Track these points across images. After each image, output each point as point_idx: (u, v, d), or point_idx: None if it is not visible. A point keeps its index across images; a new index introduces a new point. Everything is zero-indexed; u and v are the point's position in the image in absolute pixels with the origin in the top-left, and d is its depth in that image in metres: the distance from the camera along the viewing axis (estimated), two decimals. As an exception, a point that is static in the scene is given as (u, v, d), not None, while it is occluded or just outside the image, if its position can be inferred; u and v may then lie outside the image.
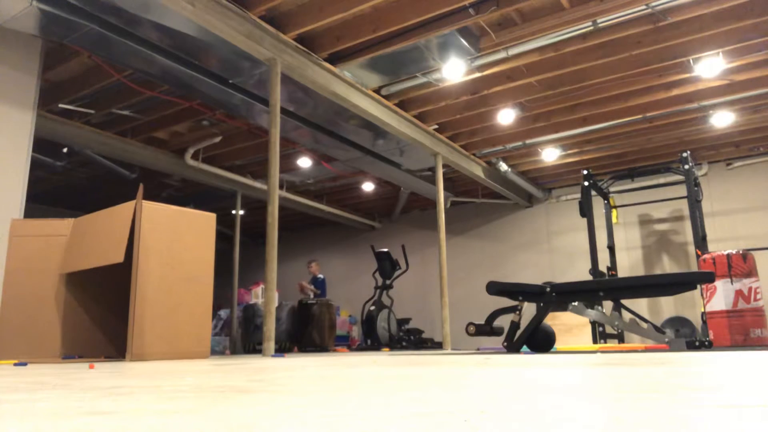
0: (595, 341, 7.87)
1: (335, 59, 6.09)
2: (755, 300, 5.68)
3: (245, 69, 5.80)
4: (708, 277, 4.15)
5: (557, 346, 7.23)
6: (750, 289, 5.70)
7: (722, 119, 7.61)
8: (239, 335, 9.40)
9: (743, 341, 5.58)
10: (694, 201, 7.52)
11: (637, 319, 4.83)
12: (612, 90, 7.04)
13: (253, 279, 12.23)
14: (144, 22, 4.96)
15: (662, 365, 1.85)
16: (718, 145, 8.82)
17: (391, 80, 6.60)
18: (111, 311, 4.33)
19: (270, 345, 4.73)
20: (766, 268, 8.51)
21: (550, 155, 9.00)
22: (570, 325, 7.88)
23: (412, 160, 8.71)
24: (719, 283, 5.80)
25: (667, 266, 9.55)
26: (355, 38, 5.71)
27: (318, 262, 10.37)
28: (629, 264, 9.80)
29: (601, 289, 4.54)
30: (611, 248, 9.01)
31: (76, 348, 4.11)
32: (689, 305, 9.10)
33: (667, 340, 4.36)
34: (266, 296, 4.89)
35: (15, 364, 3.02)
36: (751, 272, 5.76)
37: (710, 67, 6.31)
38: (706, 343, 4.43)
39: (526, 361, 2.53)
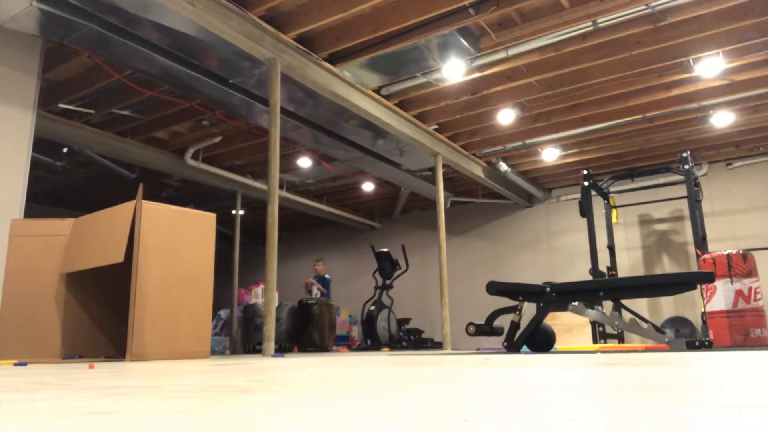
0: (595, 341, 7.87)
1: (335, 59, 6.09)
2: (755, 300, 5.68)
3: (245, 69, 5.80)
4: (708, 277, 4.15)
5: (557, 346, 7.23)
6: (750, 289, 5.70)
7: (722, 119, 7.61)
8: (239, 335, 9.40)
9: (743, 341, 5.57)
10: (694, 201, 7.52)
11: (637, 319, 4.83)
12: (612, 90, 7.04)
13: (253, 279, 12.23)
14: (144, 22, 4.96)
15: (662, 365, 1.85)
16: (718, 145, 8.82)
17: (391, 80, 6.60)
18: (111, 311, 4.33)
19: (270, 345, 4.73)
20: (766, 268, 8.51)
21: (550, 155, 9.00)
22: (570, 325, 7.88)
23: (412, 160, 8.71)
24: (719, 283, 5.80)
25: (667, 266, 9.55)
26: (355, 38, 5.71)
27: (324, 262, 10.37)
28: (629, 264, 9.80)
29: (601, 289, 4.54)
30: (611, 248, 9.01)
31: (76, 348, 4.11)
32: (689, 305, 9.10)
33: (667, 340, 4.36)
34: (266, 296, 4.89)
35: (15, 364, 3.02)
36: (751, 272, 5.76)
37: (710, 67, 6.31)
38: (706, 343, 4.43)
39: (526, 361, 2.53)
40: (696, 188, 7.66)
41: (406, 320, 9.86)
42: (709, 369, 1.60)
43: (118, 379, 1.54)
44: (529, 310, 5.29)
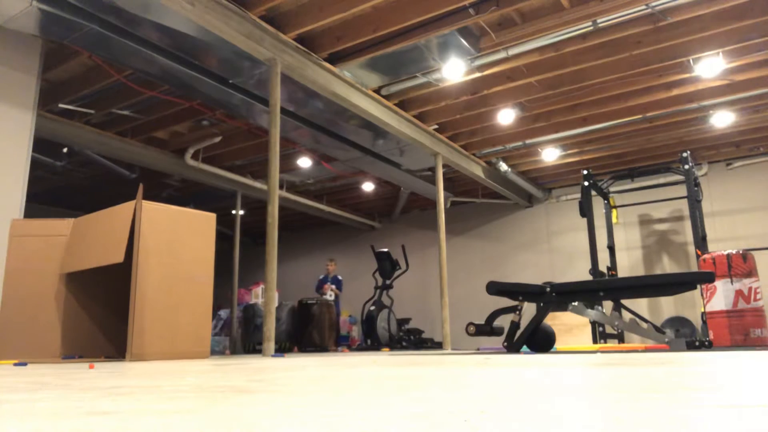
0: (595, 341, 7.87)
1: (335, 59, 6.09)
2: (755, 300, 5.67)
3: (245, 69, 5.80)
4: (708, 277, 4.15)
5: (557, 346, 7.23)
6: (750, 289, 5.70)
7: (722, 119, 7.61)
8: (239, 335, 9.40)
9: (743, 341, 5.57)
10: (694, 201, 7.52)
11: (637, 319, 4.83)
12: (612, 90, 7.04)
13: (253, 279, 12.23)
14: (144, 22, 4.96)
15: (662, 365, 1.85)
16: (718, 145, 8.82)
17: (391, 80, 6.60)
18: (111, 311, 4.33)
19: (270, 345, 4.73)
20: (766, 268, 8.51)
21: (550, 155, 9.00)
22: (570, 325, 7.87)
23: (412, 160, 8.71)
24: (719, 283, 5.80)
25: (667, 266, 9.55)
26: (355, 38, 5.71)
27: (335, 262, 10.34)
28: (629, 264, 9.80)
29: (601, 289, 4.54)
30: (611, 248, 9.01)
31: (76, 348, 4.11)
32: (689, 305, 9.10)
33: (667, 340, 4.36)
34: (266, 296, 4.89)
35: (15, 364, 3.02)
36: (751, 272, 5.76)
37: (710, 67, 6.31)
38: (706, 343, 4.43)
39: (526, 361, 2.53)
40: (696, 188, 7.66)
41: (406, 320, 9.86)
42: (709, 369, 1.60)
43: (118, 379, 1.54)
44: (529, 310, 5.29)
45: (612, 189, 9.16)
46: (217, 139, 8.21)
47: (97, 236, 3.99)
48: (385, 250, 9.75)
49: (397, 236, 12.38)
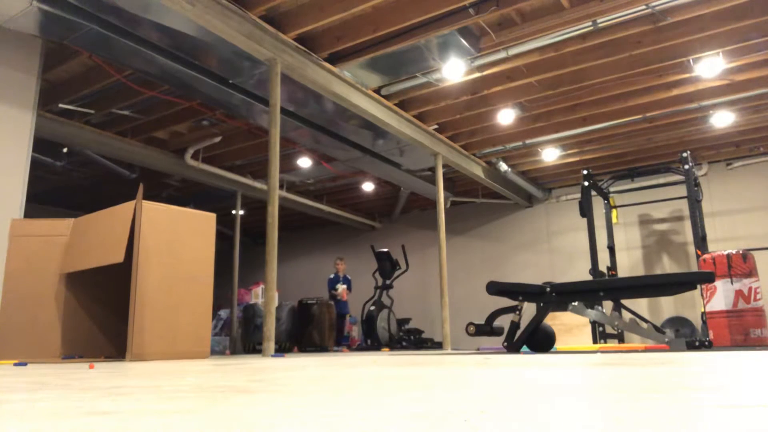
0: (595, 341, 7.87)
1: (335, 59, 6.09)
2: (755, 300, 5.67)
3: (245, 69, 5.80)
4: (708, 277, 4.15)
5: (557, 346, 7.24)
6: (750, 289, 5.70)
7: (722, 119, 7.61)
8: (239, 335, 9.40)
9: (743, 341, 5.57)
10: (694, 201, 7.52)
11: (637, 319, 4.83)
12: (612, 90, 7.04)
13: (253, 279, 12.23)
14: (144, 22, 4.96)
15: (662, 365, 1.85)
16: (718, 145, 8.82)
17: (391, 80, 6.60)
18: (111, 311, 4.33)
19: (270, 345, 4.73)
20: (766, 268, 8.51)
21: (550, 155, 9.00)
22: (570, 325, 7.87)
23: (412, 160, 8.71)
24: (719, 283, 5.80)
25: (667, 266, 9.55)
26: (355, 38, 5.71)
27: (345, 260, 10.21)
28: (629, 264, 9.80)
29: (601, 289, 4.54)
30: (611, 248, 9.01)
31: (76, 348, 4.11)
32: (689, 305, 9.10)
33: (667, 340, 4.36)
34: (266, 296, 4.89)
35: (15, 364, 3.02)
36: (751, 272, 5.76)
37: (710, 67, 6.31)
38: (706, 343, 4.43)
39: (526, 361, 2.53)
40: (696, 188, 7.66)
41: (406, 320, 9.86)
42: (709, 369, 1.60)
43: (118, 379, 1.54)
44: (529, 310, 5.29)
45: (612, 189, 9.16)
46: (217, 139, 8.21)
47: (97, 236, 3.99)
48: (385, 250, 9.74)
49: (397, 236, 12.38)
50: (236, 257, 9.82)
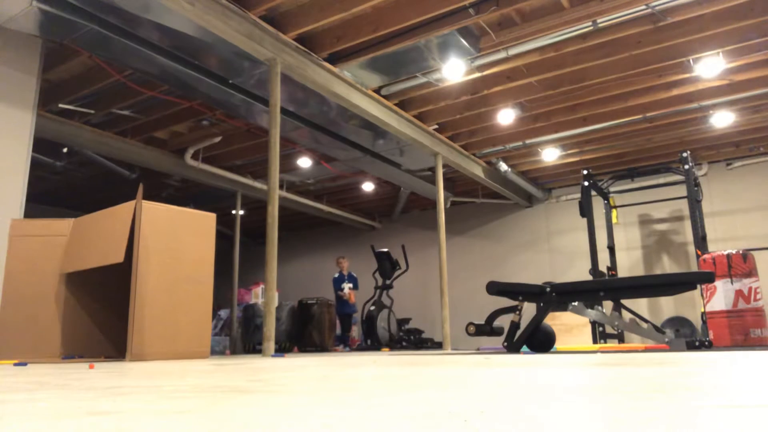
0: (595, 341, 7.87)
1: (335, 59, 6.09)
2: (755, 300, 5.67)
3: (245, 69, 5.80)
4: (708, 277, 4.15)
5: (557, 346, 7.24)
6: (750, 289, 5.70)
7: (722, 119, 7.61)
8: (239, 335, 9.40)
9: (743, 341, 5.57)
10: (694, 201, 7.52)
11: (637, 319, 4.83)
12: (612, 90, 7.04)
13: (253, 279, 12.23)
14: (144, 22, 4.96)
15: (662, 365, 1.86)
16: (718, 145, 8.82)
17: (391, 80, 6.60)
18: (111, 311, 4.33)
19: (270, 345, 4.73)
20: (766, 268, 8.51)
21: (550, 155, 9.00)
22: (570, 325, 7.87)
23: (412, 160, 8.71)
24: (719, 283, 5.80)
25: (667, 266, 9.54)
26: (355, 38, 5.71)
27: (347, 258, 10.14)
28: (629, 264, 9.80)
29: (601, 289, 4.54)
30: (611, 248, 9.00)
31: (76, 348, 4.11)
32: (689, 305, 9.10)
33: (667, 340, 4.36)
34: (266, 296, 4.89)
35: (15, 364, 3.02)
36: (751, 272, 5.76)
37: (710, 67, 6.31)
38: (706, 343, 4.43)
39: (526, 361, 2.53)
40: (696, 188, 7.66)
41: (406, 320, 9.86)
42: (709, 369, 1.60)
43: (118, 379, 1.54)
44: (529, 310, 5.29)
45: (612, 189, 9.16)
46: (217, 139, 8.21)
47: (97, 236, 3.99)
48: (385, 250, 9.74)
49: (397, 236, 12.38)
50: (236, 257, 9.82)
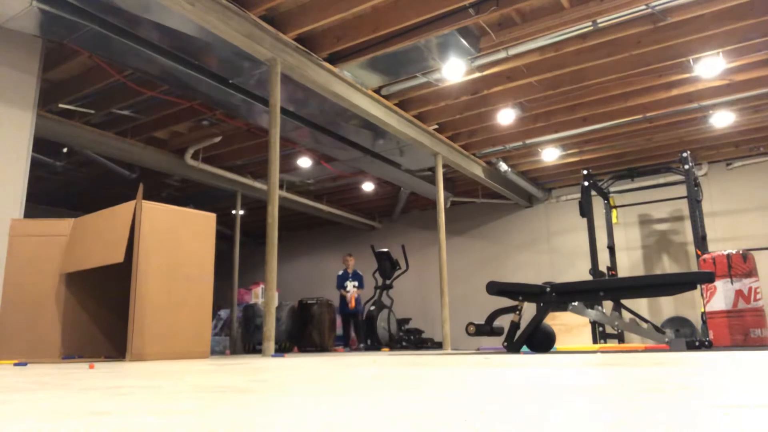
0: (595, 341, 7.87)
1: (335, 59, 6.09)
2: (755, 300, 5.68)
3: (245, 69, 5.80)
4: (708, 277, 4.15)
5: (557, 346, 7.24)
6: (750, 289, 5.70)
7: (722, 119, 7.61)
8: (239, 335, 9.40)
9: (743, 341, 5.58)
10: (694, 201, 7.52)
11: (637, 319, 4.84)
12: (612, 90, 7.04)
13: (253, 279, 12.23)
14: (144, 22, 4.96)
15: (662, 365, 1.86)
16: (718, 145, 8.82)
17: (391, 80, 6.60)
18: (111, 311, 4.33)
19: (270, 345, 4.73)
20: (766, 268, 8.51)
21: (550, 155, 9.00)
22: (570, 325, 7.87)
23: (412, 160, 8.71)
24: (719, 283, 5.80)
25: (667, 266, 9.55)
26: (355, 38, 5.71)
27: (354, 256, 9.95)
28: (629, 264, 9.80)
29: (601, 289, 4.54)
30: (611, 248, 9.00)
31: (76, 348, 4.11)
32: (689, 305, 9.10)
33: (667, 340, 4.36)
34: (266, 296, 4.89)
35: (15, 364, 3.02)
36: (751, 272, 5.76)
37: (710, 67, 6.31)
38: (706, 343, 4.43)
39: (526, 361, 2.53)
40: (696, 188, 7.66)
41: (406, 320, 9.86)
42: (709, 369, 1.60)
43: (118, 379, 1.54)
44: (529, 310, 5.29)
45: (612, 189, 9.16)
46: (217, 139, 8.21)
47: (97, 236, 3.99)
48: (385, 250, 9.74)
49: (397, 236, 12.38)
50: (236, 257, 9.82)
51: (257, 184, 9.72)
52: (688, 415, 0.66)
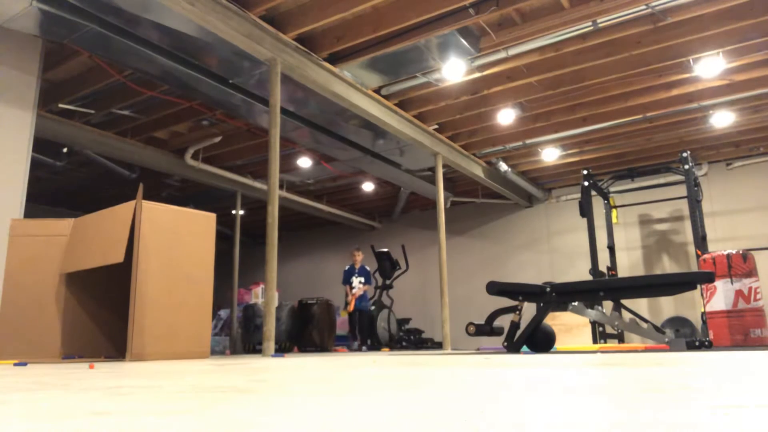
0: (595, 341, 7.87)
1: (335, 59, 6.09)
2: (755, 300, 5.67)
3: (245, 69, 5.80)
4: (708, 277, 4.15)
5: (557, 346, 7.23)
6: (750, 289, 5.70)
7: (722, 119, 7.61)
8: (239, 335, 9.40)
9: (743, 341, 5.57)
10: (694, 201, 7.52)
11: (637, 319, 4.83)
12: (612, 90, 7.04)
13: (253, 279, 12.23)
14: (144, 22, 4.96)
15: (662, 365, 1.85)
16: (718, 145, 8.82)
17: (391, 80, 6.60)
18: (111, 311, 4.33)
19: (270, 345, 4.73)
20: (766, 268, 8.51)
21: (550, 155, 9.00)
22: (570, 325, 7.87)
23: (412, 160, 8.71)
24: (719, 283, 5.80)
25: (667, 266, 9.54)
26: (355, 38, 5.71)
27: (362, 251, 9.59)
28: (629, 264, 9.80)
29: (601, 289, 4.54)
30: (611, 248, 9.00)
31: (76, 348, 4.11)
32: (689, 305, 9.10)
33: (667, 340, 4.36)
34: (266, 296, 4.89)
35: (15, 364, 3.02)
36: (751, 272, 5.76)
37: (710, 67, 6.31)
38: (706, 343, 4.43)
39: (526, 361, 2.53)
40: (696, 188, 7.66)
41: (406, 320, 9.86)
42: (710, 369, 1.60)
43: (118, 379, 1.54)
44: (529, 310, 5.29)
45: (612, 189, 9.16)
46: (217, 139, 8.21)
47: (97, 236, 3.99)
48: (385, 250, 9.74)
49: (397, 236, 12.37)
50: (236, 257, 9.82)
51: (257, 184, 9.72)
52: (688, 415, 0.66)
